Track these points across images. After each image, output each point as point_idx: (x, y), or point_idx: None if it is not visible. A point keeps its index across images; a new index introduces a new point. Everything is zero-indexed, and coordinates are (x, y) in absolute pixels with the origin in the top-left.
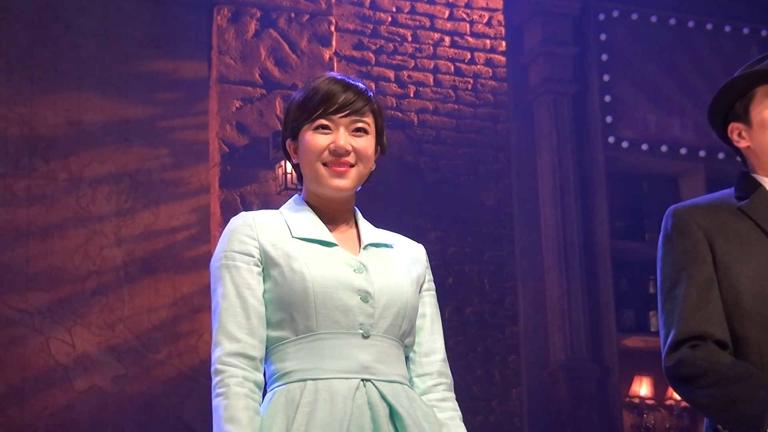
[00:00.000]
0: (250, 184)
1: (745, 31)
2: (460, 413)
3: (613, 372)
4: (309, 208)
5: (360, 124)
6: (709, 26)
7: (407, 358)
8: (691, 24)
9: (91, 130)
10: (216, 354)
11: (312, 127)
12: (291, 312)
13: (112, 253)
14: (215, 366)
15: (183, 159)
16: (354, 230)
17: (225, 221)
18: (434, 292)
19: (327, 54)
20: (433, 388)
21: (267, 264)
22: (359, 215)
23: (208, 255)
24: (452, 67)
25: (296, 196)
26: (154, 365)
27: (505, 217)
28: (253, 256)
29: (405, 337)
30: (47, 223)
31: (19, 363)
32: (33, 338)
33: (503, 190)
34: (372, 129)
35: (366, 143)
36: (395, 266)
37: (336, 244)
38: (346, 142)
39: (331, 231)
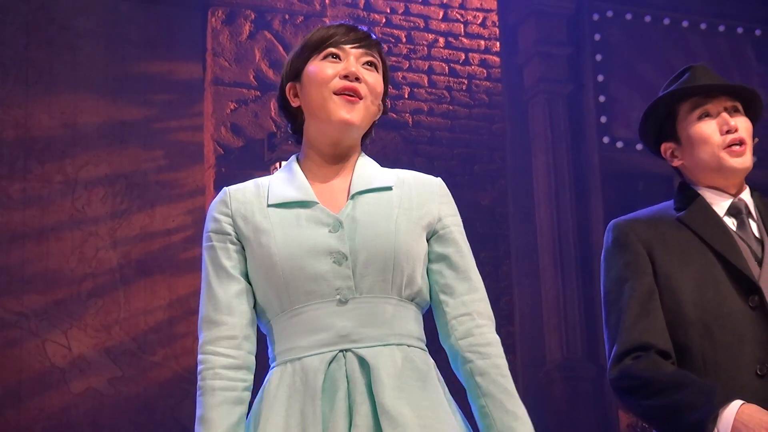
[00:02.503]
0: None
1: (739, 30)
2: (505, 360)
3: None
4: (299, 168)
5: (370, 58)
6: (703, 26)
7: (435, 307)
8: (685, 24)
9: (86, 132)
10: (199, 343)
11: (320, 56)
12: (267, 290)
13: (107, 255)
14: (198, 355)
15: (178, 160)
16: (351, 178)
17: None
18: (457, 228)
19: None
20: (475, 330)
21: (242, 240)
22: (362, 160)
23: None
24: (447, 67)
25: (293, 156)
26: (150, 367)
27: (500, 217)
28: (228, 234)
29: (404, 290)
30: (42, 226)
31: (15, 365)
32: (29, 341)
33: (498, 191)
34: (380, 68)
35: (376, 79)
36: (387, 212)
37: (317, 203)
38: (358, 70)
39: (323, 185)
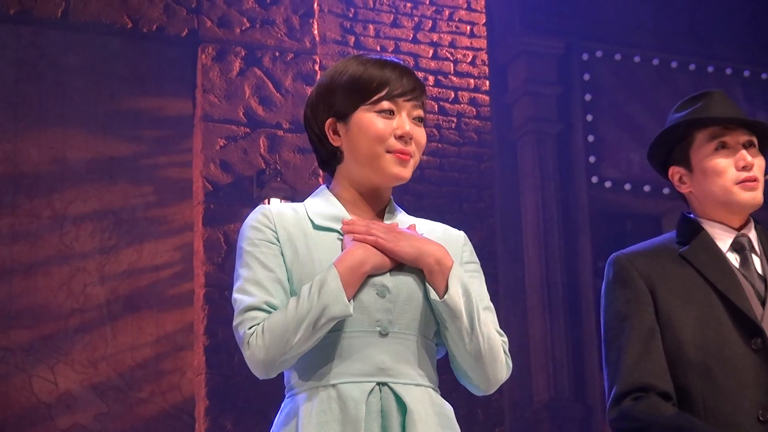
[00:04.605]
0: (233, 222)
1: (728, 71)
2: (497, 339)
3: (596, 411)
4: (335, 198)
5: (419, 112)
6: (692, 66)
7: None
8: (674, 64)
9: (76, 168)
10: (240, 307)
11: (373, 109)
12: None
13: (95, 290)
14: (237, 319)
15: (167, 197)
16: (383, 220)
17: (209, 259)
18: (476, 273)
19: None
20: None
21: (283, 255)
22: (393, 206)
23: (192, 293)
24: (436, 106)
25: (323, 186)
26: (137, 403)
27: (488, 256)
28: (273, 243)
29: (432, 332)
30: (30, 261)
31: (0, 401)
32: (15, 376)
33: (487, 229)
34: (424, 119)
35: (422, 134)
36: None
37: None
38: (411, 128)
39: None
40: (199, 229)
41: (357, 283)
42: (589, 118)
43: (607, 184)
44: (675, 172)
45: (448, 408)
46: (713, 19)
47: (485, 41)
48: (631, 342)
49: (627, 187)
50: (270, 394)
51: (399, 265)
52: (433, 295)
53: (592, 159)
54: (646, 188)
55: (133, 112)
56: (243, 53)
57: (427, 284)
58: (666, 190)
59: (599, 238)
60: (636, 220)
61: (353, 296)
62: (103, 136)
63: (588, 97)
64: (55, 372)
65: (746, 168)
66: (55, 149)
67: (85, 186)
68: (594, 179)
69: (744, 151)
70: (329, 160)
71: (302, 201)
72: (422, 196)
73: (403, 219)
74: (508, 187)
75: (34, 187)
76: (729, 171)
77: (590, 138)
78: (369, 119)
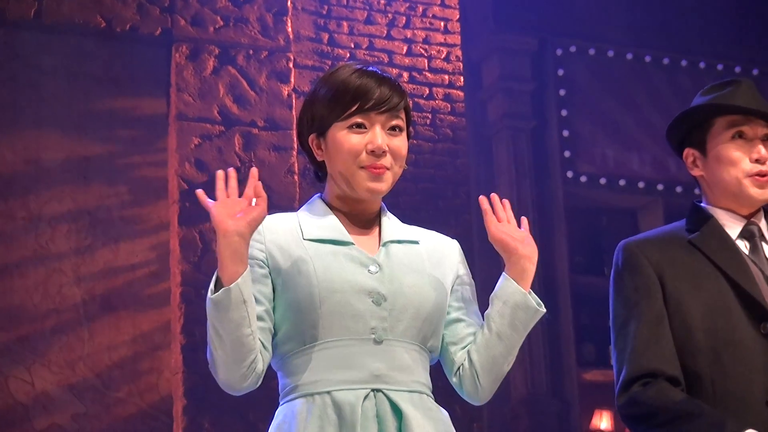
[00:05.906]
0: (209, 221)
1: (702, 65)
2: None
3: (573, 406)
4: (328, 208)
5: (395, 122)
6: (665, 61)
7: (443, 355)
8: (648, 59)
9: (50, 168)
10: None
11: (345, 125)
12: (297, 320)
13: (71, 291)
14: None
15: (142, 196)
16: (378, 228)
17: (184, 258)
18: (471, 287)
19: (286, 90)
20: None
21: (273, 270)
22: (385, 211)
23: (168, 292)
24: (411, 102)
25: (316, 196)
26: (115, 403)
27: (465, 253)
28: (258, 259)
29: (427, 341)
30: (5, 262)
31: None
32: None
33: (463, 226)
34: (405, 127)
35: (401, 143)
36: (418, 264)
37: (352, 243)
38: (384, 141)
39: (351, 229)
40: (175, 229)
41: (228, 253)
42: (564, 113)
43: (583, 179)
44: (690, 153)
45: (444, 413)
46: (686, 13)
47: (459, 37)
48: (639, 328)
49: (602, 181)
50: (248, 394)
51: (391, 272)
52: (521, 290)
53: (567, 154)
54: (622, 182)
55: (108, 112)
56: (217, 52)
57: (428, 293)
58: (641, 184)
59: (575, 233)
60: (611, 214)
61: (241, 273)
62: (78, 137)
63: (562, 92)
64: (31, 373)
65: (760, 161)
66: (30, 150)
67: (59, 186)
68: (569, 174)
69: (761, 145)
70: (318, 171)
71: (277, 199)
72: (397, 194)
73: (399, 224)
74: (483, 183)
75: (9, 188)
76: (742, 162)
77: (565, 133)
78: (342, 136)
